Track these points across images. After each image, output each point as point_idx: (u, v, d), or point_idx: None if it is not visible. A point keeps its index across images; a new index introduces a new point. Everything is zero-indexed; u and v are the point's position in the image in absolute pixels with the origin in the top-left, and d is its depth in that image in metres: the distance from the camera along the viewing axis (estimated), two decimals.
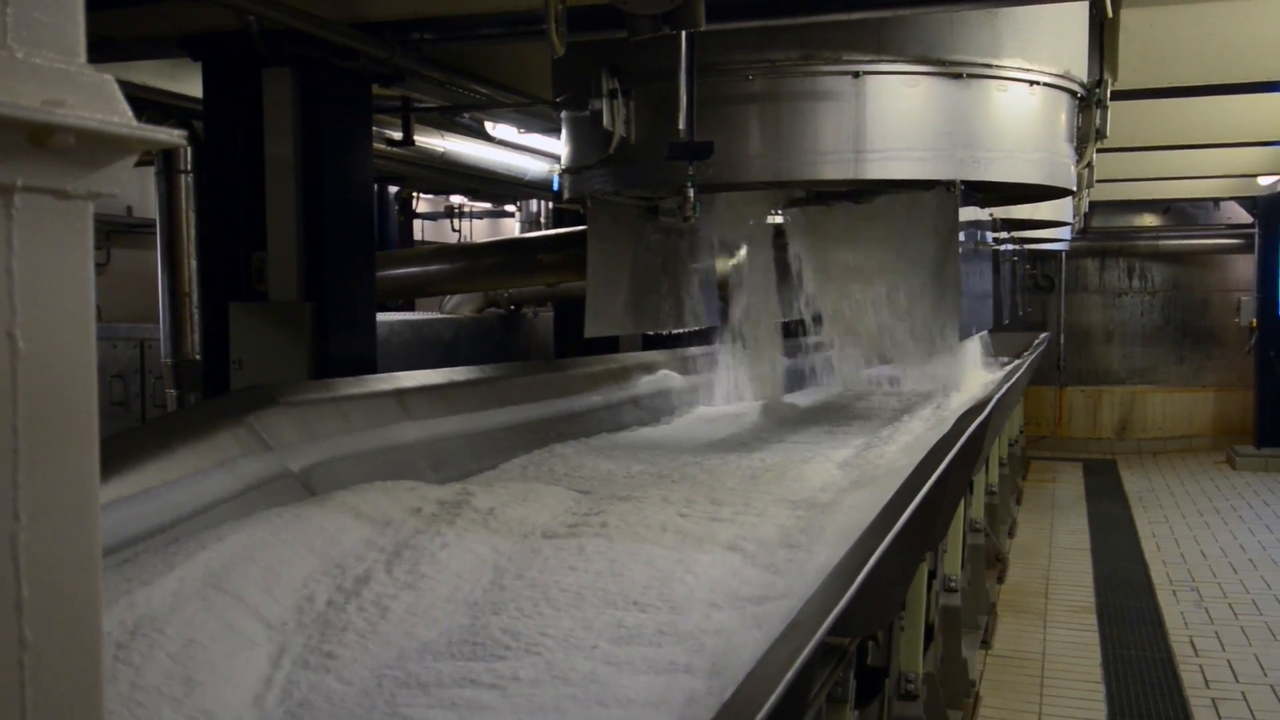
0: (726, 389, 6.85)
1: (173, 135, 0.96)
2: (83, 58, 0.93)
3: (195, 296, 6.28)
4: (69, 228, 0.92)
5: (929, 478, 2.87)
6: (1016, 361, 8.04)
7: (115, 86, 0.94)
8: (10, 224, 0.86)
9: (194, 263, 6.32)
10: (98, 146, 0.91)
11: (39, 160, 0.87)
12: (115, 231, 9.87)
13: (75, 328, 0.92)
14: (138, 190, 8.69)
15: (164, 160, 6.40)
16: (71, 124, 0.86)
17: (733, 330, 6.67)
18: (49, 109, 0.85)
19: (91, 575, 0.93)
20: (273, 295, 4.96)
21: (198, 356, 6.16)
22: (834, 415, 6.32)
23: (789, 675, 1.50)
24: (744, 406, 6.54)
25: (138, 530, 2.64)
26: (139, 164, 1.00)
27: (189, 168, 6.38)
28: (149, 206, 8.27)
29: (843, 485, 4.02)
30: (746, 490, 3.87)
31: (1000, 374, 6.63)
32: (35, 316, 0.88)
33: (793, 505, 3.45)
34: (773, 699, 1.45)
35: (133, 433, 3.46)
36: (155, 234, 6.70)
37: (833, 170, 4.53)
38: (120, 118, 0.92)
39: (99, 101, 0.92)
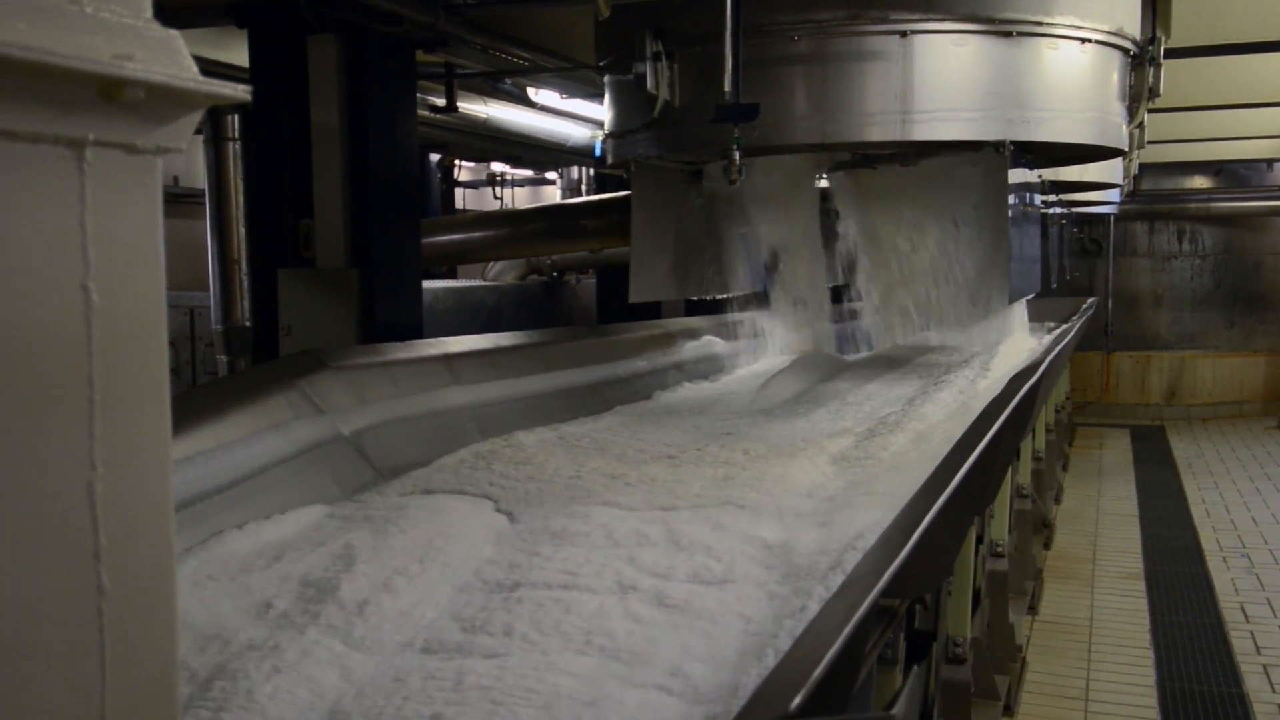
0: (761, 351, 6.77)
1: (238, 90, 0.97)
2: (149, 13, 0.93)
3: (244, 264, 6.34)
4: (139, 182, 0.93)
5: (980, 441, 2.85)
6: (1064, 327, 7.94)
7: (181, 42, 0.95)
8: (82, 178, 0.87)
9: (242, 230, 6.37)
10: (166, 101, 0.91)
11: (109, 115, 0.88)
12: (163, 201, 9.96)
13: (146, 281, 0.93)
14: (184, 160, 8.76)
15: (212, 128, 6.44)
16: (141, 78, 0.87)
17: (777, 290, 6.61)
18: (119, 63, 0.86)
19: (165, 524, 0.95)
20: (320, 262, 5.00)
21: (247, 323, 6.23)
22: (855, 385, 5.65)
23: (846, 631, 1.50)
24: (776, 367, 6.26)
25: (194, 491, 2.68)
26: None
27: (236, 135, 6.43)
28: (195, 176, 8.36)
29: (832, 491, 3.27)
30: (713, 501, 3.09)
31: (1042, 342, 6.46)
32: (107, 270, 0.89)
33: (766, 549, 2.62)
34: (830, 654, 1.45)
35: (187, 396, 3.52)
36: (202, 204, 6.76)
37: (879, 132, 4.48)
38: (187, 73, 0.93)
39: (166, 56, 0.92)
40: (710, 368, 6.41)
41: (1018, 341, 6.24)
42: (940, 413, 4.46)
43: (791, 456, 3.77)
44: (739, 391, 5.70)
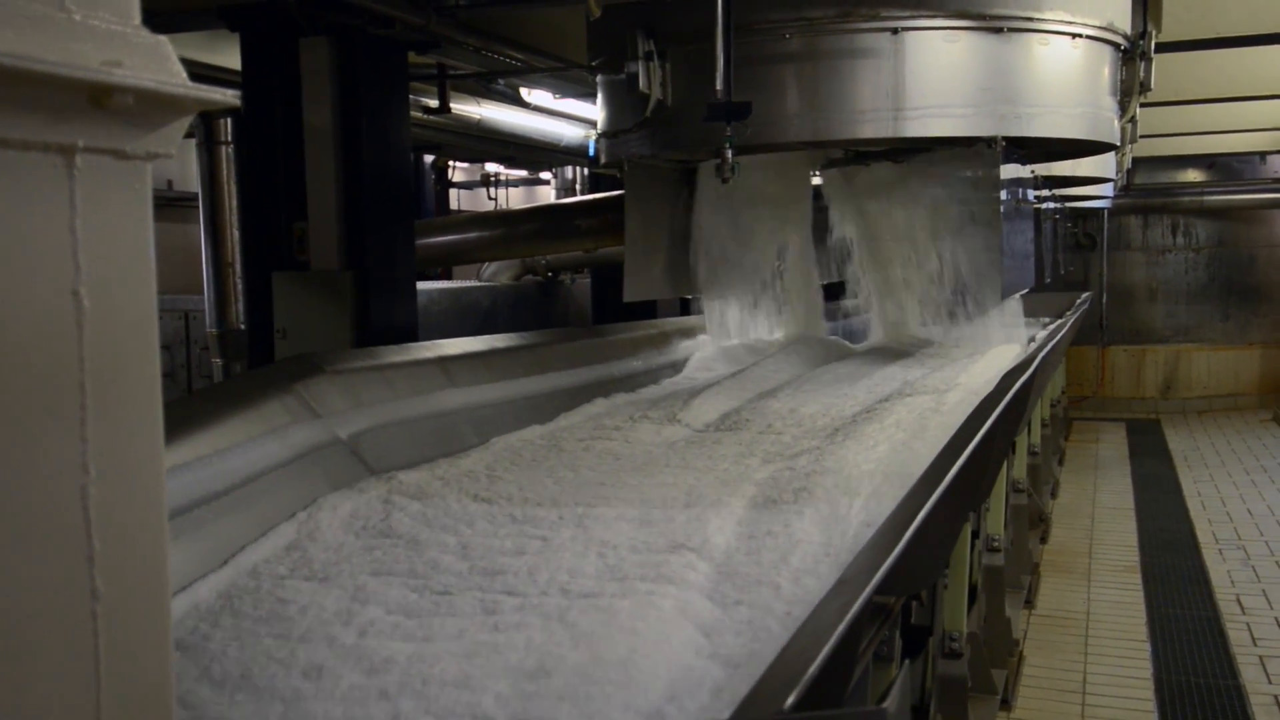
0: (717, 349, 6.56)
1: (226, 95, 0.97)
2: (138, 19, 0.94)
3: (238, 267, 6.35)
4: (128, 188, 0.93)
5: (974, 437, 2.86)
6: (1058, 322, 7.95)
7: (169, 48, 0.95)
8: (72, 184, 0.88)
9: (236, 233, 6.38)
10: (155, 107, 0.92)
11: (98, 121, 0.88)
12: (156, 205, 9.95)
13: (137, 285, 0.93)
14: (178, 164, 8.76)
15: (205, 132, 6.45)
16: (130, 84, 0.87)
17: (761, 287, 6.46)
18: (108, 69, 0.86)
19: (159, 528, 0.95)
20: (314, 264, 5.00)
21: (242, 326, 6.23)
22: (794, 404, 4.73)
23: (840, 628, 1.50)
24: (726, 370, 5.71)
25: (193, 497, 2.68)
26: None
27: (229, 139, 6.43)
28: (189, 180, 8.36)
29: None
30: None
31: (1027, 349, 6.18)
32: (98, 275, 0.89)
33: None
34: (824, 653, 1.45)
35: (184, 401, 3.52)
36: (196, 207, 6.77)
37: (871, 129, 4.49)
38: (176, 78, 0.93)
39: (155, 62, 0.93)
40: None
41: (996, 357, 5.86)
42: (869, 461, 3.44)
43: (648, 597, 2.25)
44: (665, 402, 4.85)
